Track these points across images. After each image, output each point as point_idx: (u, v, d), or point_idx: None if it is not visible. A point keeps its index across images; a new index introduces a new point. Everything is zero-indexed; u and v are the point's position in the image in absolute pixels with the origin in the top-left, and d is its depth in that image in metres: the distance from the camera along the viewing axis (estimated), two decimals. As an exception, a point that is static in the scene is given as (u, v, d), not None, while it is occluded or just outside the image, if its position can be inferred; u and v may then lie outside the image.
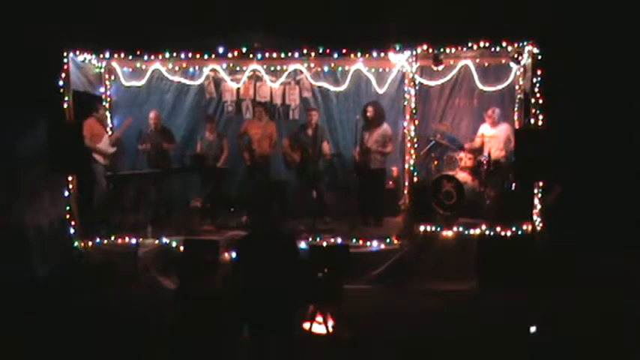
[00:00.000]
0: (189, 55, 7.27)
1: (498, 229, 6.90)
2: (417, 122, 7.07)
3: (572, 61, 8.12)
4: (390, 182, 8.48)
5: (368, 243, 6.87)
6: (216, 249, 5.96)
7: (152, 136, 7.91)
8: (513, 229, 6.90)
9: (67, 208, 7.08)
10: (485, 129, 8.00)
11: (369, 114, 7.71)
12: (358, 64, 7.83)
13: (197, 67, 8.28)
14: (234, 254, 5.64)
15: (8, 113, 7.14)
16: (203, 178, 8.00)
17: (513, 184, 7.59)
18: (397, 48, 6.92)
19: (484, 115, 8.03)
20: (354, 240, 6.85)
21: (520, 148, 6.77)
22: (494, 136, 7.86)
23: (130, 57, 7.47)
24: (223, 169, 8.02)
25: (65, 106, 6.98)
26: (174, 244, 6.85)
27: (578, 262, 6.91)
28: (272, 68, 8.24)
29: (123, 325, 5.07)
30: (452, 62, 7.90)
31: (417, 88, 7.15)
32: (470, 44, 6.97)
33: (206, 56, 7.33)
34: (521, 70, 7.65)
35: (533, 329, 4.66)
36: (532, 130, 6.90)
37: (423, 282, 6.69)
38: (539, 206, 6.93)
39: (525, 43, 6.91)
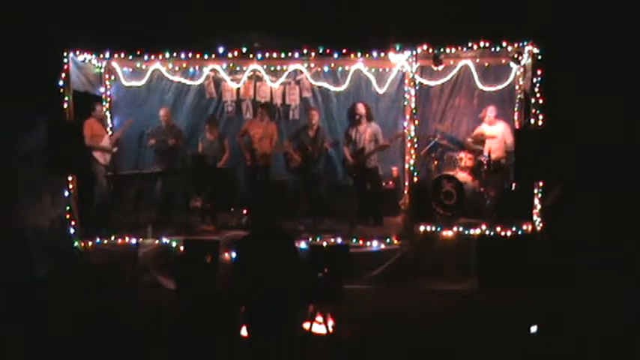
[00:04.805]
0: (189, 55, 7.27)
1: (498, 229, 6.91)
2: (417, 122, 7.07)
3: (572, 61, 8.12)
4: (390, 182, 8.49)
5: (368, 243, 6.87)
6: (216, 249, 5.95)
7: (161, 132, 7.91)
8: (513, 229, 6.90)
9: (67, 208, 7.08)
10: (484, 128, 8.01)
11: (361, 111, 7.67)
12: (358, 64, 7.84)
13: (197, 67, 8.30)
14: (234, 254, 5.64)
15: (8, 113, 7.14)
16: (203, 178, 8.00)
17: (513, 184, 7.60)
18: (397, 48, 6.92)
19: (479, 117, 8.06)
20: (354, 240, 6.85)
21: (520, 148, 6.78)
22: (493, 136, 7.86)
23: (130, 57, 7.47)
24: (224, 169, 8.03)
25: (65, 106, 6.98)
26: (174, 244, 6.85)
27: (578, 262, 6.91)
28: (272, 68, 8.25)
29: (123, 325, 5.07)
30: (452, 62, 7.91)
31: (417, 88, 7.15)
32: (470, 44, 6.97)
33: (206, 56, 7.33)
34: (521, 70, 7.65)
35: (533, 329, 4.66)
36: (532, 130, 6.91)
37: (423, 282, 6.70)
38: (539, 206, 6.93)
39: (525, 43, 6.92)
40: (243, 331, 4.25)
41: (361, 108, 7.70)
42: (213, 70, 8.22)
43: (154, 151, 7.98)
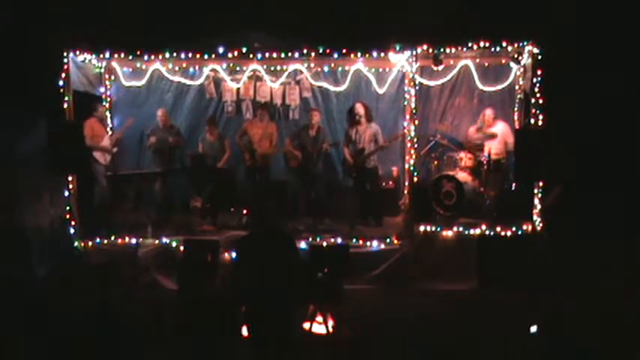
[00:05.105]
0: (189, 55, 7.26)
1: (498, 229, 6.91)
2: (417, 122, 7.06)
3: (572, 61, 8.12)
4: (390, 182, 8.49)
5: (368, 243, 6.86)
6: (216, 249, 5.96)
7: (159, 132, 7.93)
8: (513, 229, 6.90)
9: (67, 208, 7.08)
10: (483, 131, 8.01)
11: (360, 111, 7.66)
12: (358, 64, 7.83)
13: (197, 67, 8.29)
14: (234, 254, 5.65)
15: (8, 113, 7.14)
16: (203, 178, 8.01)
17: (513, 184, 7.60)
18: (397, 48, 6.92)
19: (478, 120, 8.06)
20: (354, 240, 6.85)
21: (520, 147, 6.77)
22: (494, 134, 7.85)
23: (130, 57, 7.46)
24: (224, 169, 8.03)
25: (65, 106, 6.97)
26: (174, 244, 6.85)
27: (578, 262, 6.91)
28: (272, 68, 8.24)
29: (123, 325, 5.07)
30: (452, 62, 7.90)
31: (417, 88, 7.14)
32: (470, 44, 6.97)
33: (206, 56, 7.32)
34: (521, 70, 7.65)
35: (533, 329, 4.66)
36: (532, 130, 6.91)
37: (423, 282, 6.70)
38: (539, 206, 6.93)
39: (525, 43, 6.92)
40: (244, 331, 4.25)
41: (360, 108, 7.70)
42: (213, 70, 8.21)
43: (153, 151, 7.99)
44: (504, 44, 6.94)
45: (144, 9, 8.61)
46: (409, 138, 7.04)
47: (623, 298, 6.00)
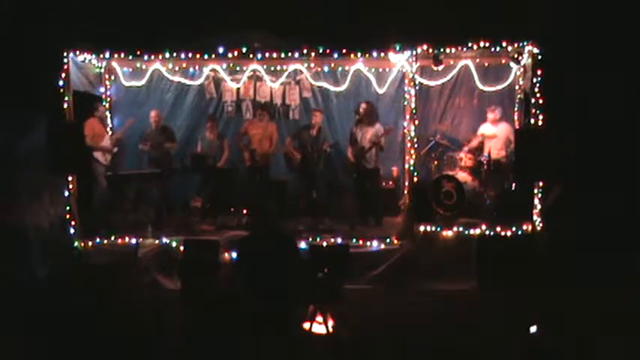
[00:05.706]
0: (189, 55, 7.27)
1: (498, 229, 6.91)
2: (417, 122, 7.07)
3: (572, 61, 8.12)
4: (390, 182, 8.49)
5: (368, 243, 6.87)
6: (216, 249, 5.96)
7: (153, 135, 7.93)
8: (513, 229, 6.91)
9: (67, 208, 7.08)
10: (485, 128, 8.01)
11: (361, 111, 7.68)
12: (358, 64, 7.83)
13: (197, 67, 8.29)
14: (234, 254, 5.65)
15: (8, 113, 7.14)
16: (203, 178, 8.01)
17: (513, 184, 7.60)
18: (397, 48, 6.92)
19: (486, 110, 8.04)
20: (354, 240, 6.85)
21: (520, 148, 6.78)
22: (494, 136, 7.86)
23: (130, 57, 7.47)
24: (224, 169, 8.03)
25: (65, 106, 6.98)
26: (174, 244, 6.85)
27: (578, 262, 6.91)
28: (272, 68, 8.24)
29: (123, 326, 5.07)
30: (452, 62, 7.91)
31: (417, 88, 7.15)
32: (470, 44, 6.97)
33: (206, 56, 7.33)
34: (521, 70, 7.65)
35: (533, 329, 4.66)
36: (532, 130, 6.91)
37: (423, 282, 6.70)
38: (539, 206, 6.93)
39: (525, 43, 6.93)
40: (244, 331, 4.26)
41: (362, 108, 7.69)
42: (213, 70, 8.22)
43: (148, 157, 7.98)
44: (504, 44, 6.94)
45: (144, 9, 8.60)
46: (409, 138, 7.04)
47: (623, 298, 6.00)
